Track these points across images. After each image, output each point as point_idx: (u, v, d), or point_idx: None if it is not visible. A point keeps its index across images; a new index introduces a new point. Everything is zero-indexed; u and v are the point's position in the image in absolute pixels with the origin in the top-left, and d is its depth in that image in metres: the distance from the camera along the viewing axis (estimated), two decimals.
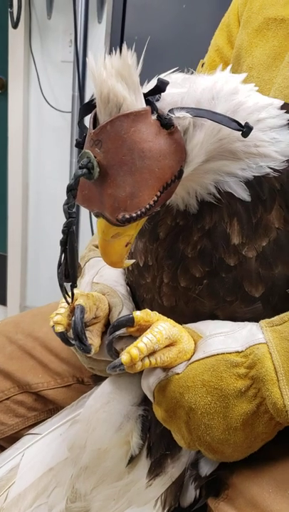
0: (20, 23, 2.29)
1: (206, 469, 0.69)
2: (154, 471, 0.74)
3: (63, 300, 0.68)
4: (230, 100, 0.57)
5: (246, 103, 0.58)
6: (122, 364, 0.59)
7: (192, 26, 1.74)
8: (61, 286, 0.60)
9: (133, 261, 0.64)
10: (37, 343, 0.92)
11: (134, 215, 0.52)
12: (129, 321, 0.63)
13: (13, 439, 0.88)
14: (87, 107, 0.55)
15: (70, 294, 0.63)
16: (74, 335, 0.65)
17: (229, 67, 0.64)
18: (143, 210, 0.53)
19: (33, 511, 0.76)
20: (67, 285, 0.61)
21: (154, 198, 0.53)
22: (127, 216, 0.52)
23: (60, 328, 0.66)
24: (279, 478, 0.64)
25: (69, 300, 0.65)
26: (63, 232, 0.54)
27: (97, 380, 0.84)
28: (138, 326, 0.63)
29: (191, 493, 0.71)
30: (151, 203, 0.53)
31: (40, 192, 2.61)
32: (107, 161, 0.51)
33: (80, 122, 0.59)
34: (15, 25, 2.30)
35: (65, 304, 0.68)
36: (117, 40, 1.81)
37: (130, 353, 0.58)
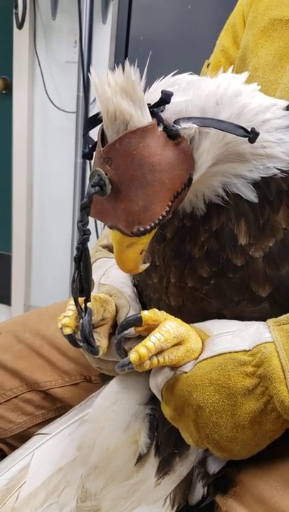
0: (25, 23, 2.30)
1: (213, 467, 0.70)
2: (163, 469, 0.75)
3: (71, 302, 0.69)
4: (234, 103, 0.57)
5: (250, 104, 0.58)
6: (130, 363, 0.59)
7: (197, 27, 1.74)
8: (76, 301, 0.61)
9: (148, 265, 0.64)
10: (45, 341, 0.93)
11: (148, 227, 0.53)
12: (137, 321, 0.64)
13: (22, 437, 0.88)
14: (92, 121, 0.56)
15: (83, 307, 0.64)
16: (82, 337, 0.66)
17: (231, 67, 0.65)
18: (156, 221, 0.54)
19: (44, 511, 0.77)
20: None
21: (167, 209, 0.54)
22: (142, 229, 0.53)
23: (68, 331, 0.67)
24: (286, 475, 0.64)
25: (82, 313, 0.65)
26: (78, 249, 0.55)
27: (105, 378, 0.84)
28: (146, 326, 0.64)
29: (199, 491, 0.71)
30: (164, 213, 0.54)
31: (44, 192, 2.62)
32: (119, 178, 0.52)
33: (86, 135, 0.60)
34: (20, 26, 2.31)
35: (72, 307, 0.68)
36: (122, 40, 1.80)
37: (139, 351, 0.59)
